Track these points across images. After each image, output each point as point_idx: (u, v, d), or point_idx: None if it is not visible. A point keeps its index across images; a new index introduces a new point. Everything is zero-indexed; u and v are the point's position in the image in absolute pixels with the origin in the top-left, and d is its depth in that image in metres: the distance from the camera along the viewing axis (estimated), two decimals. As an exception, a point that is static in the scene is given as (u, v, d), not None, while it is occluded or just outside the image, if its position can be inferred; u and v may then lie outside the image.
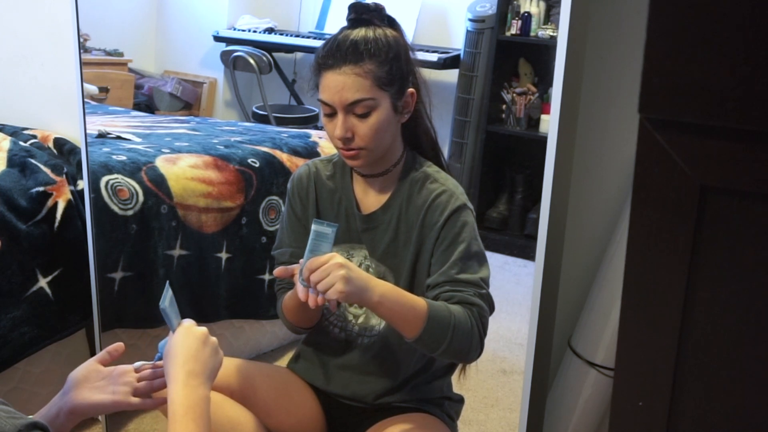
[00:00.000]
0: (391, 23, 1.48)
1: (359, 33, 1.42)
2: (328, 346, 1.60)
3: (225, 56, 3.92)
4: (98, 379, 1.26)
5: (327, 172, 1.58)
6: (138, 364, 1.31)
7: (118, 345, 1.32)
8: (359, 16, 1.45)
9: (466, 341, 1.39)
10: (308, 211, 1.57)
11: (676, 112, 0.73)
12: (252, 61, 3.80)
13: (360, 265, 1.54)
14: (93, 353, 2.08)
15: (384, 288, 1.36)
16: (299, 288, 1.35)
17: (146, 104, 3.77)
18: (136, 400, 1.27)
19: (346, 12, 1.48)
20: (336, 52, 1.41)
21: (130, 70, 3.76)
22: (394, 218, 1.51)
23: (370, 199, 1.54)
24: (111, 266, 2.05)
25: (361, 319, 1.56)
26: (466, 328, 1.38)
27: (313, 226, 1.34)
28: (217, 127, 2.96)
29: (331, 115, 1.44)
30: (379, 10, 1.47)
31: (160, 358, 1.28)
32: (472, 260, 1.45)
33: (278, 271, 1.42)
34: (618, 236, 1.58)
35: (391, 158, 1.51)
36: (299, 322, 1.56)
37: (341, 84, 1.40)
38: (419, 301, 1.37)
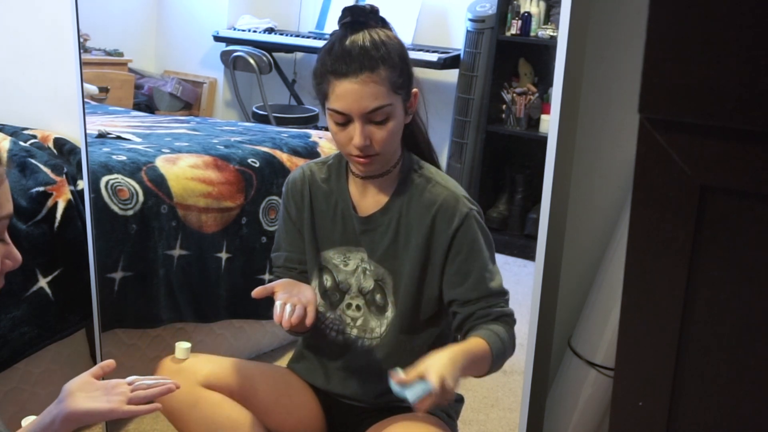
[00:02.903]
0: (384, 24, 1.45)
1: (365, 38, 1.39)
2: (327, 347, 1.60)
3: (225, 56, 3.92)
4: (93, 389, 1.26)
5: (322, 174, 1.58)
6: (130, 378, 1.31)
7: (110, 362, 1.33)
8: (356, 19, 1.41)
9: (507, 355, 1.48)
10: (303, 214, 1.57)
11: (676, 112, 0.73)
12: (252, 61, 3.80)
13: (357, 268, 1.54)
14: (93, 353, 2.08)
15: (462, 360, 1.35)
16: (276, 310, 1.38)
17: (146, 104, 3.77)
18: (130, 407, 1.28)
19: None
20: (348, 59, 1.37)
21: (130, 70, 3.76)
22: (394, 220, 1.51)
23: (367, 200, 1.54)
24: (111, 266, 2.05)
25: (359, 322, 1.56)
26: (512, 339, 1.48)
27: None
28: (217, 127, 2.95)
29: (344, 124, 1.41)
30: (375, 12, 1.44)
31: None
32: (491, 266, 1.49)
33: (256, 292, 1.42)
34: (618, 236, 1.58)
35: (391, 159, 1.51)
36: (294, 326, 1.57)
37: (359, 93, 1.37)
38: (484, 352, 1.42)
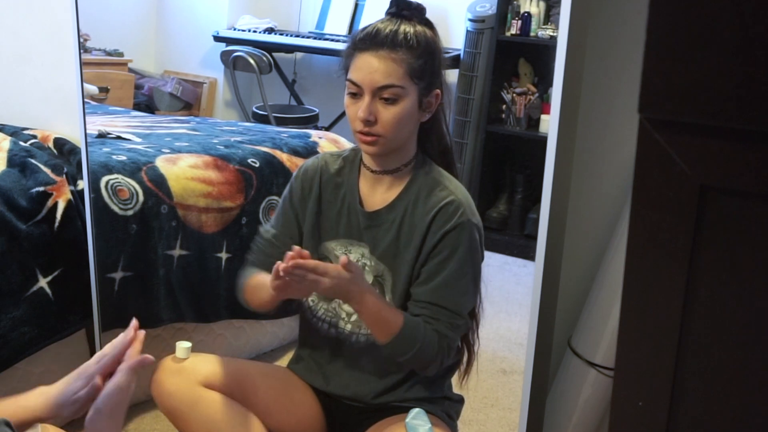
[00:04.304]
0: (429, 25, 1.49)
1: (400, 25, 1.44)
2: (323, 344, 1.60)
3: (225, 56, 3.92)
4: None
5: (335, 166, 1.59)
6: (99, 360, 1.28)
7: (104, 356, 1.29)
8: (400, 11, 1.47)
9: (426, 362, 1.48)
10: (307, 203, 1.57)
11: (676, 112, 0.73)
12: (252, 61, 3.80)
13: (357, 262, 1.54)
14: (93, 353, 2.08)
15: (369, 290, 1.45)
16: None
17: (146, 104, 3.77)
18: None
19: (387, 6, 1.51)
20: (374, 37, 1.43)
21: (130, 70, 3.76)
22: (398, 218, 1.51)
23: (375, 197, 1.54)
24: (111, 266, 2.05)
25: (354, 317, 1.56)
26: (430, 352, 1.46)
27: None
28: (217, 127, 2.95)
29: (356, 95, 1.45)
30: (420, 9, 1.49)
31: None
32: (464, 280, 1.48)
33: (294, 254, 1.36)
34: (618, 236, 1.58)
35: (404, 156, 1.51)
36: (253, 302, 1.57)
37: (374, 66, 1.42)
38: (396, 319, 1.44)
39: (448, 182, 1.52)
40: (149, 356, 1.26)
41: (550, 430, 1.70)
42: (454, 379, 1.65)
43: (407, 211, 1.51)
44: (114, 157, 2.19)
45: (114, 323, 2.09)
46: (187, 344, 1.55)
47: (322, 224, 1.57)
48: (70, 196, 2.04)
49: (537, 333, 1.52)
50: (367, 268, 1.54)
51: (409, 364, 1.50)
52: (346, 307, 1.56)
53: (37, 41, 2.37)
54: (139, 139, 2.51)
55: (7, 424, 1.06)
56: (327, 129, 3.59)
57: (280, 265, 1.33)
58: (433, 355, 1.46)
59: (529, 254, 3.17)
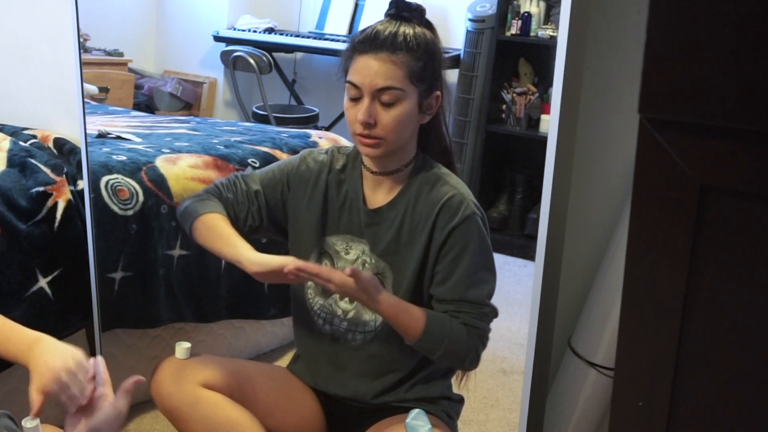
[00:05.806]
0: (429, 26, 1.49)
1: (400, 27, 1.44)
2: (322, 345, 1.60)
3: (225, 56, 3.92)
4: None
5: (340, 161, 1.59)
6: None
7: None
8: (400, 12, 1.46)
9: (460, 355, 1.48)
10: (306, 192, 1.57)
11: (676, 112, 0.73)
12: (252, 61, 3.80)
13: (357, 259, 1.55)
14: (93, 353, 2.08)
15: (392, 297, 1.46)
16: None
17: (146, 104, 3.77)
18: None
19: (385, 7, 1.50)
20: (374, 39, 1.42)
21: (130, 70, 3.76)
22: (399, 216, 1.51)
23: (377, 195, 1.55)
24: (111, 266, 2.05)
25: (351, 314, 1.56)
26: (462, 345, 1.46)
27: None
28: (217, 127, 2.95)
29: (356, 99, 1.44)
30: (420, 10, 1.48)
31: None
32: (480, 272, 1.48)
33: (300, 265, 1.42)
34: (618, 236, 1.58)
35: (403, 158, 1.51)
36: (202, 240, 1.57)
37: (374, 69, 1.41)
38: (418, 317, 1.45)
39: (449, 178, 1.52)
40: (141, 377, 1.32)
41: (550, 430, 1.70)
42: (454, 379, 1.64)
43: (408, 208, 1.51)
44: (114, 157, 2.19)
45: (114, 323, 2.09)
46: (187, 344, 1.55)
47: (327, 219, 1.57)
48: (70, 196, 2.04)
49: (537, 333, 1.52)
50: (367, 264, 1.54)
51: (444, 361, 1.51)
52: (342, 305, 1.56)
53: (37, 41, 2.37)
54: (139, 139, 2.51)
55: (9, 417, 1.06)
56: (327, 129, 3.58)
57: (287, 267, 1.39)
58: (465, 348, 1.47)
59: (529, 254, 3.17)
